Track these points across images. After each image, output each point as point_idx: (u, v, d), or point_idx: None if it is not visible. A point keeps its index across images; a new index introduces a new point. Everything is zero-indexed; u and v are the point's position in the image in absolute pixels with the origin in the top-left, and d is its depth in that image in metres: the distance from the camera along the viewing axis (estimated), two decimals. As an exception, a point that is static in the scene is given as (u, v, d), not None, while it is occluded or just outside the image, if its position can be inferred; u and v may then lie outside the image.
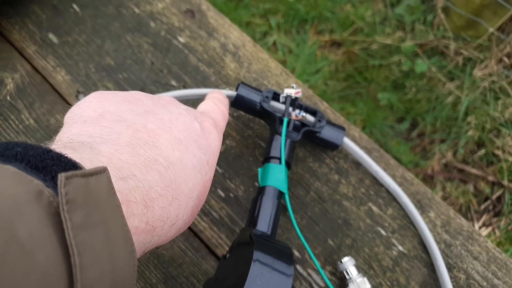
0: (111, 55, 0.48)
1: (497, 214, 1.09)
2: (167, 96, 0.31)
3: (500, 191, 1.12)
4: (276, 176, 0.37)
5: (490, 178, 1.13)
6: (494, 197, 1.10)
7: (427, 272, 0.40)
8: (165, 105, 0.27)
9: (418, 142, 1.17)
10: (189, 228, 0.41)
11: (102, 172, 0.17)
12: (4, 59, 0.47)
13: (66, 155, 0.18)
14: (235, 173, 0.43)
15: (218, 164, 0.43)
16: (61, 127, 0.24)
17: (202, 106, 0.33)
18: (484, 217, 1.09)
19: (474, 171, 1.14)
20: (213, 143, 0.28)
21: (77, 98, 0.46)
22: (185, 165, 0.24)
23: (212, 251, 0.40)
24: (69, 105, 0.46)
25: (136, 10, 0.50)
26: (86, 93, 0.46)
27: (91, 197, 0.16)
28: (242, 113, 0.45)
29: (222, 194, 0.42)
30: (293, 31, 1.28)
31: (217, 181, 0.43)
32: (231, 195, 0.42)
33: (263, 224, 0.34)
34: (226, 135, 0.44)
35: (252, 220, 0.35)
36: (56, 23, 0.49)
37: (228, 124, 0.45)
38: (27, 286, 0.13)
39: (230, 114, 0.45)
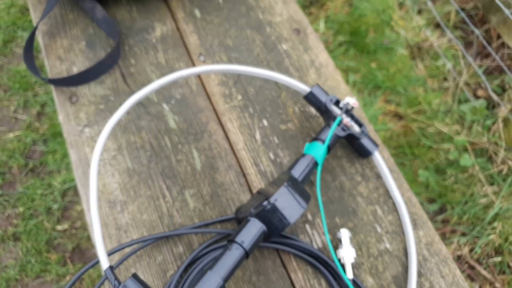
0: (232, 38, 0.65)
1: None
2: None
3: (502, 300, 1.15)
4: (317, 150, 0.50)
5: (498, 285, 1.17)
6: (494, 302, 1.14)
7: (401, 271, 0.50)
8: None
9: (440, 226, 1.24)
10: (241, 169, 0.55)
11: None
12: (161, 15, 0.66)
13: None
14: (287, 147, 0.57)
15: (276, 136, 0.57)
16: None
17: None
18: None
19: (484, 273, 1.18)
20: None
21: (199, 58, 0.63)
22: None
23: (251, 190, 0.54)
24: (192, 60, 0.63)
25: (260, 16, 0.67)
26: (205, 57, 0.63)
27: None
28: (307, 109, 0.60)
29: (272, 157, 0.56)
30: (365, 92, 1.43)
31: (272, 148, 0.57)
32: (278, 160, 0.56)
33: (298, 172, 0.48)
34: (289, 120, 0.59)
35: (291, 167, 0.48)
36: (203, 5, 0.67)
37: (294, 113, 0.59)
38: None
39: (298, 108, 0.59)
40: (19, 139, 1.24)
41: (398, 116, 1.42)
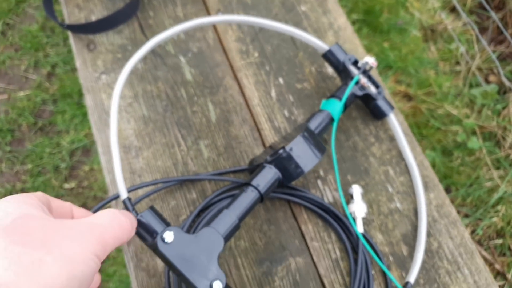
0: (251, -4, 0.64)
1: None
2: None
3: (501, 282, 1.16)
4: (334, 107, 0.50)
5: (497, 266, 1.18)
6: (492, 284, 1.15)
7: (410, 230, 0.51)
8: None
9: (444, 207, 1.24)
10: (255, 124, 0.55)
11: None
12: (181, -31, 0.65)
13: None
14: (302, 105, 0.57)
15: (291, 94, 0.57)
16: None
17: (99, 218, 0.30)
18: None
19: (484, 254, 1.19)
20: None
21: (217, 14, 0.62)
22: None
23: (264, 144, 0.54)
24: (209, 15, 0.62)
25: (280, -24, 0.66)
26: (224, 13, 0.63)
27: None
28: (324, 70, 0.59)
29: (287, 115, 0.56)
30: (376, 71, 1.42)
31: (287, 105, 0.57)
32: (292, 117, 0.56)
33: (314, 125, 0.48)
34: (305, 79, 0.59)
35: (308, 120, 0.48)
36: (224, -39, 0.66)
37: (310, 73, 0.59)
38: None
39: (315, 68, 0.59)
40: (29, 98, 1.24)
41: (408, 97, 1.41)
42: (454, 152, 1.28)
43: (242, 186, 0.43)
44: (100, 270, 0.31)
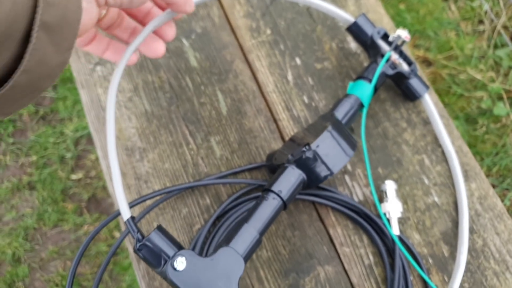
0: (258, -36, 0.56)
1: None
2: None
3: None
4: (364, 90, 0.43)
5: (525, 238, 1.13)
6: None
7: (451, 227, 0.45)
8: None
9: (468, 178, 1.18)
10: (271, 114, 0.49)
11: None
12: None
13: None
14: (323, 89, 0.50)
15: (310, 77, 0.50)
16: None
17: None
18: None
19: None
20: None
21: (221, -14, 0.55)
22: None
23: (282, 137, 0.48)
24: (213, -11, 0.55)
25: None
26: (229, -15, 0.55)
27: None
28: (346, 45, 0.52)
29: (306, 101, 0.50)
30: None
31: (306, 90, 0.50)
32: (313, 104, 0.49)
33: (341, 114, 0.41)
34: (325, 58, 0.51)
35: (334, 108, 0.42)
36: None
37: (330, 50, 0.52)
38: None
39: (336, 44, 0.52)
40: (28, 86, 1.18)
41: (427, 62, 1.32)
42: (479, 119, 1.21)
43: (262, 193, 0.37)
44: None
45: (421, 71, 0.51)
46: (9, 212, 1.04)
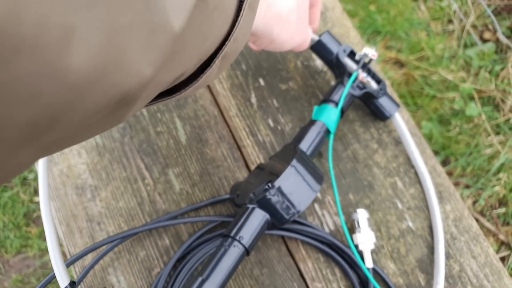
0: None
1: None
2: None
3: (506, 252, 1.12)
4: (329, 115, 0.41)
5: (501, 237, 1.13)
6: (498, 256, 1.11)
7: (427, 253, 0.43)
8: None
9: (443, 179, 1.18)
10: (234, 140, 0.45)
11: None
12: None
13: None
14: (288, 111, 0.47)
15: (275, 98, 0.48)
16: None
17: None
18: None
19: (488, 225, 1.14)
20: None
21: None
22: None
23: (248, 165, 0.45)
24: None
25: None
26: None
27: None
28: (312, 63, 0.49)
29: (272, 124, 0.47)
30: (364, 38, 1.31)
31: (271, 113, 0.47)
32: (279, 127, 0.47)
33: (306, 145, 0.39)
34: (290, 77, 0.49)
35: (298, 139, 0.39)
36: None
37: (295, 69, 0.49)
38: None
39: (301, 62, 0.49)
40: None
41: (399, 64, 1.31)
42: (452, 120, 1.21)
43: (222, 239, 0.34)
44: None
45: (391, 88, 0.49)
46: (-32, 240, 0.98)
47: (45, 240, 0.98)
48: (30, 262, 0.96)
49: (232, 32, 0.22)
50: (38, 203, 1.01)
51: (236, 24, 0.22)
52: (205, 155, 0.45)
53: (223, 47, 0.22)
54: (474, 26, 1.33)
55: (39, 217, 1.00)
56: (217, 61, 0.23)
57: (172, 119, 0.46)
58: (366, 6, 1.35)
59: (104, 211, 0.41)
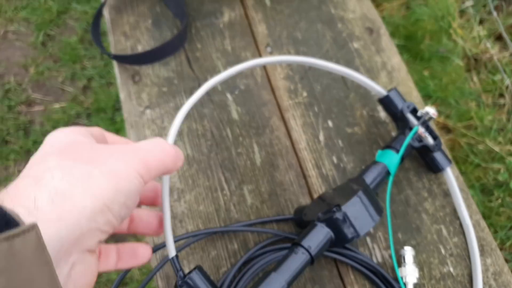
0: (301, 31, 0.62)
1: None
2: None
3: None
4: (391, 159, 0.47)
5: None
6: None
7: (465, 299, 0.47)
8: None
9: (480, 248, 1.18)
10: (301, 170, 0.52)
11: (30, 230, 0.18)
12: (231, 0, 0.64)
13: (2, 207, 0.19)
14: (352, 152, 0.54)
15: (341, 139, 0.54)
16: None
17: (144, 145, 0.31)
18: None
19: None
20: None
21: (266, 49, 0.60)
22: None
23: (310, 193, 0.51)
24: (258, 50, 0.60)
25: (332, 11, 0.64)
26: (273, 48, 0.61)
27: (14, 260, 0.16)
28: (376, 114, 0.56)
29: (335, 161, 0.53)
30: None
31: (335, 151, 0.54)
32: (341, 165, 0.53)
33: (369, 180, 0.45)
34: (356, 123, 0.56)
35: (364, 172, 0.45)
36: (275, -6, 0.64)
37: (361, 117, 0.56)
38: None
39: (367, 112, 0.56)
40: (64, 111, 1.25)
41: (447, 129, 1.36)
42: (495, 191, 1.22)
43: (292, 246, 0.40)
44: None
45: (444, 145, 0.55)
46: None
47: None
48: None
49: None
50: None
51: None
52: (275, 178, 0.51)
53: None
54: (525, 103, 1.36)
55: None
56: None
57: (251, 144, 0.53)
58: (421, 71, 1.43)
59: (186, 212, 0.48)
